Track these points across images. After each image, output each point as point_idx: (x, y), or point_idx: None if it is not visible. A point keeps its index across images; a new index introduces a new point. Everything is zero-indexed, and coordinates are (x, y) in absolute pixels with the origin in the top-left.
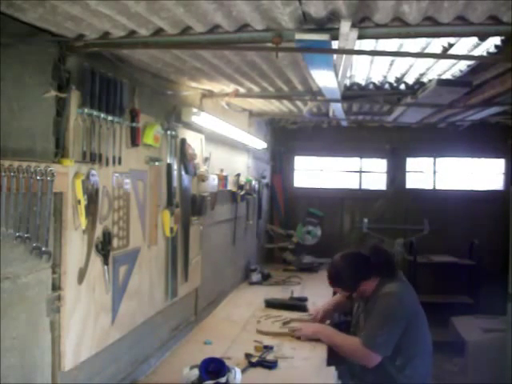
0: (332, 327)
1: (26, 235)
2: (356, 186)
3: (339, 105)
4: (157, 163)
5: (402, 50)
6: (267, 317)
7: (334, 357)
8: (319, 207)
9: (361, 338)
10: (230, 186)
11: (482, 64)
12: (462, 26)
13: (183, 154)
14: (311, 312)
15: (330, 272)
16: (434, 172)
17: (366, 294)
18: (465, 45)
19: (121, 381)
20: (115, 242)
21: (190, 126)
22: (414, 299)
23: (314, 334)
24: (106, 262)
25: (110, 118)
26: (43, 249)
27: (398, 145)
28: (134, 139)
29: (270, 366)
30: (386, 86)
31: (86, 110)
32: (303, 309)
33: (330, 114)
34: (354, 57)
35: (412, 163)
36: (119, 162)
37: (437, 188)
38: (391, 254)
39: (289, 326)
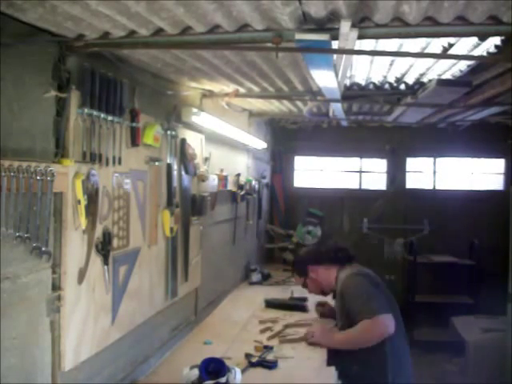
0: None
1: (26, 235)
2: (356, 186)
3: (339, 105)
4: (157, 163)
5: (402, 50)
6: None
7: (334, 357)
8: (319, 207)
9: (360, 318)
10: (230, 186)
11: (482, 64)
12: (462, 25)
13: (183, 153)
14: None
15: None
16: (434, 172)
17: (330, 285)
18: (465, 45)
19: (121, 381)
20: (115, 242)
21: (190, 126)
22: (384, 287)
23: (326, 344)
24: (106, 262)
25: (110, 117)
26: (43, 249)
27: (398, 145)
28: (134, 139)
29: (270, 366)
30: (386, 85)
31: (86, 110)
32: (303, 309)
33: (330, 113)
34: (354, 57)
35: (412, 163)
36: (119, 162)
37: (437, 188)
38: (347, 247)
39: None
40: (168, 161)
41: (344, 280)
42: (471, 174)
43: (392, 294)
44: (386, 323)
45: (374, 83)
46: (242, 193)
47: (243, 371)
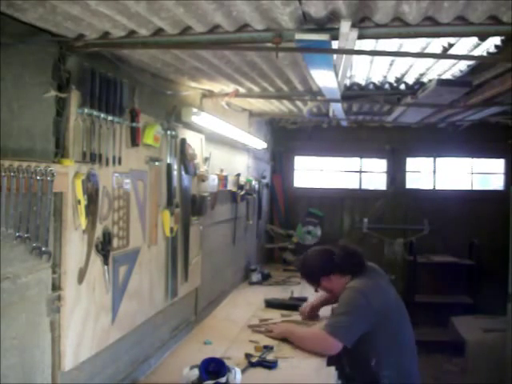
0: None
1: (26, 235)
2: (356, 186)
3: (339, 105)
4: (157, 163)
5: (402, 50)
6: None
7: (334, 357)
8: (319, 207)
9: (324, 326)
10: (230, 186)
11: (482, 64)
12: (461, 25)
13: (183, 154)
14: (301, 310)
15: (299, 265)
16: (434, 172)
17: (340, 292)
18: (465, 45)
19: (121, 381)
20: (115, 242)
21: (190, 126)
22: (385, 297)
23: (280, 334)
24: (106, 262)
25: (110, 117)
26: (43, 249)
27: (398, 145)
28: (134, 139)
29: (270, 366)
30: (386, 86)
31: (85, 110)
32: None
33: (330, 114)
34: (354, 57)
35: (412, 163)
36: (119, 162)
37: (437, 188)
38: (360, 253)
39: (265, 325)
40: (168, 161)
41: (346, 289)
42: (471, 174)
43: (402, 301)
44: (330, 346)
45: (374, 83)
46: (242, 193)
47: (243, 371)
